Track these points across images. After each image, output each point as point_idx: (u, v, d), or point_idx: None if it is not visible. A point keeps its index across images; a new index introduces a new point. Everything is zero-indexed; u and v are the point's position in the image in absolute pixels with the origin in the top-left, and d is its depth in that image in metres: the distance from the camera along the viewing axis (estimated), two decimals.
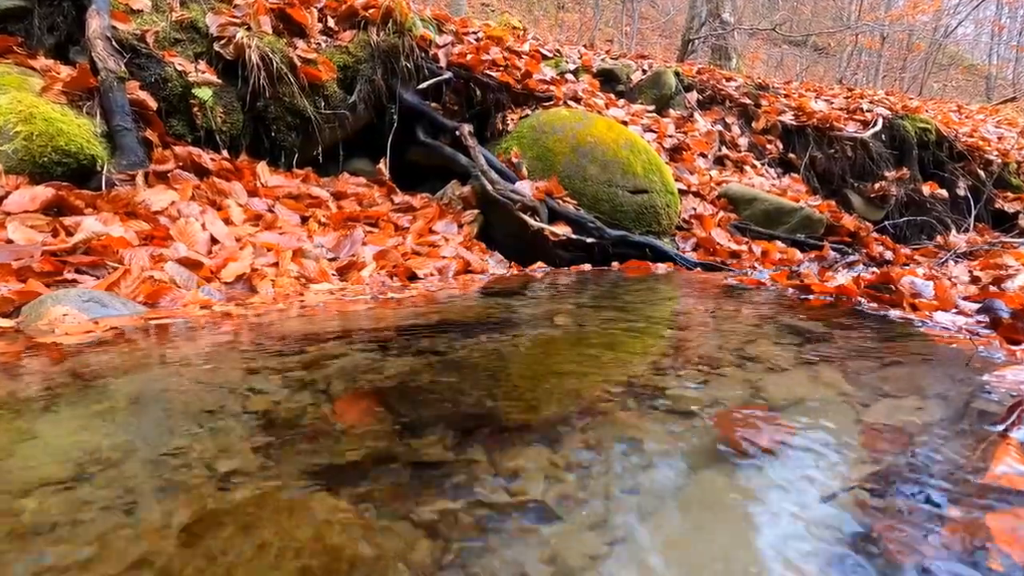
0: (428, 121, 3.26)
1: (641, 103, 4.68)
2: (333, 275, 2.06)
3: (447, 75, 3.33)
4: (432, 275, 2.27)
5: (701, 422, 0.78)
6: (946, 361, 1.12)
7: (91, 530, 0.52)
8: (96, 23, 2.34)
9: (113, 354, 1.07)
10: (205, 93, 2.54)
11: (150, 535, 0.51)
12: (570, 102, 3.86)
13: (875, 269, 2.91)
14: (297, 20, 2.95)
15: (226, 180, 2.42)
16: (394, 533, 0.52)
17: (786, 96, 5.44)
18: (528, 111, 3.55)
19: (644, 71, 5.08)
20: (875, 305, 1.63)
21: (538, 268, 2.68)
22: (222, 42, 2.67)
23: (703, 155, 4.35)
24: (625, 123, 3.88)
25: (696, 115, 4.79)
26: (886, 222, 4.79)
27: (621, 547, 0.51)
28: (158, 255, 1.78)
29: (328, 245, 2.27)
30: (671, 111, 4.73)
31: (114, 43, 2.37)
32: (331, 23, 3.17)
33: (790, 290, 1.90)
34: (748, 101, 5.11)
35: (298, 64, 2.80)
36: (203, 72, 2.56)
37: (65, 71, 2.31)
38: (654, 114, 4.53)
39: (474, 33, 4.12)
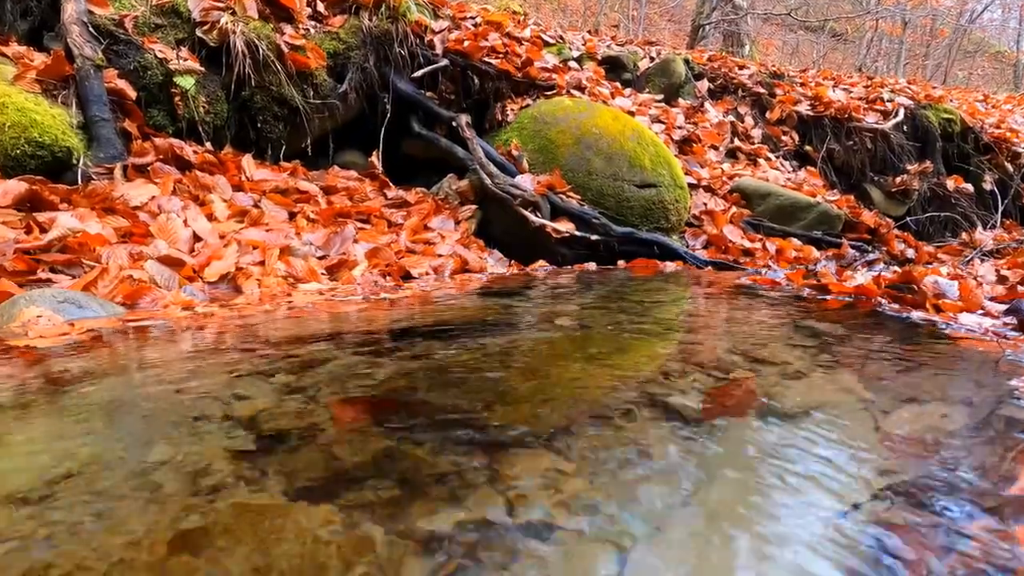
0: (423, 111, 3.26)
1: (649, 92, 4.68)
2: (322, 274, 2.06)
3: (443, 63, 3.33)
4: (427, 274, 2.27)
5: (711, 429, 0.78)
6: (972, 365, 1.12)
7: (64, 547, 0.52)
8: (72, 7, 2.34)
9: (90, 358, 1.07)
10: (187, 82, 2.53)
11: (127, 553, 0.51)
12: (573, 91, 3.86)
13: (896, 268, 2.91)
14: (284, 4, 2.94)
15: (209, 174, 2.42)
16: (386, 549, 0.52)
17: (802, 85, 5.44)
18: (529, 101, 3.55)
19: (652, 58, 5.07)
20: (896, 306, 1.63)
21: (540, 267, 2.68)
22: (205, 27, 2.66)
23: (714, 147, 4.35)
24: (632, 113, 3.88)
25: (707, 105, 4.79)
26: (908, 218, 4.79)
27: (628, 562, 0.51)
28: (137, 253, 1.78)
29: (317, 242, 2.27)
30: (680, 101, 4.73)
31: (91, 29, 2.37)
32: (320, 7, 3.17)
33: (806, 290, 1.90)
34: (762, 90, 5.11)
35: (285, 51, 2.80)
36: (185, 59, 2.56)
37: (39, 58, 2.31)
38: (662, 104, 4.53)
39: (472, 18, 4.12)
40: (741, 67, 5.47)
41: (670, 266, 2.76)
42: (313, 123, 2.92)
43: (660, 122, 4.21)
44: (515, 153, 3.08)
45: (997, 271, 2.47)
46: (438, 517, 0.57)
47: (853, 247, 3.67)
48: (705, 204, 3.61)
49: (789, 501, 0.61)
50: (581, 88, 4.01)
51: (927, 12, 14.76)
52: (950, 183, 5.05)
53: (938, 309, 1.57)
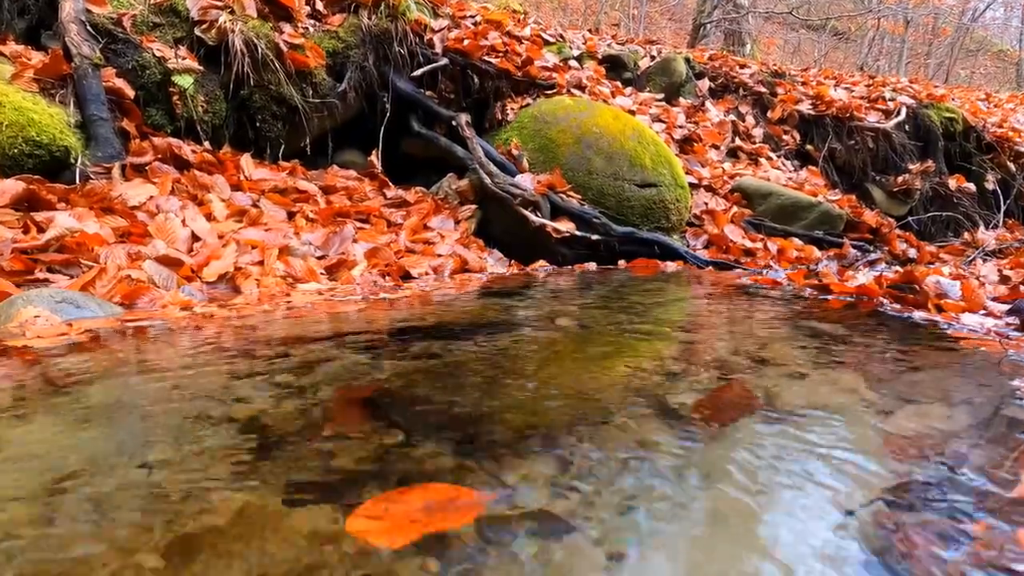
0: (423, 110, 3.26)
1: (649, 91, 4.68)
2: (322, 274, 2.06)
3: (443, 61, 3.33)
4: (427, 274, 2.27)
5: (712, 430, 0.78)
6: (974, 365, 1.12)
7: (61, 550, 0.52)
8: (70, 6, 2.34)
9: (88, 359, 1.07)
10: (185, 81, 2.53)
11: (124, 554, 0.51)
12: (574, 90, 3.86)
13: (898, 268, 2.92)
14: (283, 3, 2.94)
15: (208, 173, 2.42)
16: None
17: (803, 84, 5.44)
18: (529, 100, 3.55)
19: (653, 57, 5.07)
20: (898, 306, 1.63)
21: (540, 267, 2.68)
22: (204, 26, 2.66)
23: (715, 147, 4.35)
24: (632, 112, 3.88)
25: (708, 104, 4.79)
26: (910, 218, 4.79)
27: (629, 564, 0.51)
28: (136, 253, 1.78)
29: (316, 242, 2.27)
30: (681, 100, 4.73)
31: (89, 27, 2.37)
32: (319, 6, 3.17)
33: (808, 290, 1.90)
34: (763, 89, 5.11)
35: (284, 50, 2.80)
36: (183, 58, 2.56)
37: (37, 57, 2.31)
38: (663, 103, 4.53)
39: (472, 17, 4.12)
40: (742, 66, 5.47)
41: (671, 266, 2.76)
42: (312, 122, 2.92)
43: (661, 121, 4.21)
44: (515, 152, 3.08)
45: (999, 271, 2.47)
46: None
47: (855, 247, 3.68)
48: (706, 203, 3.61)
49: (790, 503, 0.61)
50: (581, 87, 4.01)
51: (929, 11, 14.75)
52: (952, 182, 5.05)
53: (940, 309, 1.57)
